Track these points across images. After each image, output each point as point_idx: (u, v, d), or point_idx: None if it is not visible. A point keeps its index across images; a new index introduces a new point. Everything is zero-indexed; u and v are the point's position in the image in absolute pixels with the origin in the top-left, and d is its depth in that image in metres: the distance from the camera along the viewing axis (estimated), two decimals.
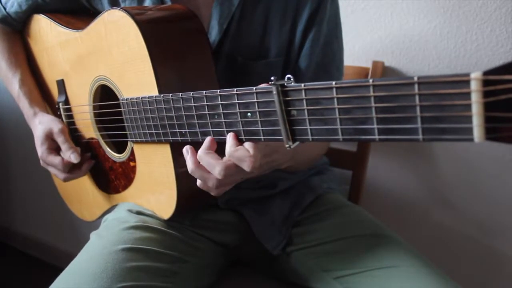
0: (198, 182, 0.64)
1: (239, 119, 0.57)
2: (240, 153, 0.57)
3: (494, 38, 1.02)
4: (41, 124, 0.92)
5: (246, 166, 0.57)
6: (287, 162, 0.73)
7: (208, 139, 0.62)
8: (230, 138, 0.58)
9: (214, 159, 0.59)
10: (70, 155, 0.87)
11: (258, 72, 0.83)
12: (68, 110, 0.97)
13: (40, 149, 0.91)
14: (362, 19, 1.14)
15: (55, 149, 0.91)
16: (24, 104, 0.97)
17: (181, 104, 0.64)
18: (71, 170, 0.91)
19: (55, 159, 0.89)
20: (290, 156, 0.72)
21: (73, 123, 0.97)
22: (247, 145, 0.57)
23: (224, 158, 0.59)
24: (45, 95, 1.03)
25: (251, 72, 0.83)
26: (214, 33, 0.80)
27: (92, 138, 0.93)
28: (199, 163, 0.62)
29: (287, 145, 0.52)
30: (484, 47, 1.03)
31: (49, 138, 0.90)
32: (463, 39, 1.05)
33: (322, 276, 0.82)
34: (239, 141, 0.58)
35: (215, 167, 0.59)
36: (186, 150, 0.64)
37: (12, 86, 0.99)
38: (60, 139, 0.88)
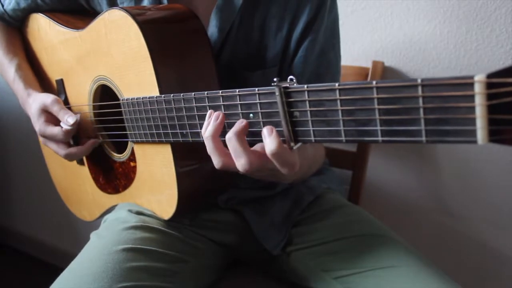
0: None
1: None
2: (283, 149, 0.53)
3: (494, 38, 1.02)
4: (34, 102, 0.89)
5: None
6: (295, 176, 0.73)
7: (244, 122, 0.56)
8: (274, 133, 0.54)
9: (243, 149, 0.55)
10: (67, 119, 0.83)
11: (255, 82, 0.82)
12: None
13: (37, 123, 0.87)
14: (362, 19, 1.14)
15: (53, 121, 0.87)
16: (18, 87, 0.94)
17: (183, 105, 0.64)
18: (72, 145, 0.89)
19: (54, 129, 0.85)
20: (303, 172, 0.72)
21: None
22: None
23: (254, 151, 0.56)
24: None
25: (248, 82, 0.82)
26: (213, 40, 0.79)
27: None
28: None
29: (289, 147, 0.52)
30: (484, 47, 1.03)
31: (45, 111, 0.87)
32: (463, 39, 1.05)
33: (322, 276, 0.82)
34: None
35: (241, 158, 0.55)
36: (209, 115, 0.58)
37: (8, 71, 0.97)
38: (55, 109, 0.85)
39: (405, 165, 1.20)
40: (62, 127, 0.84)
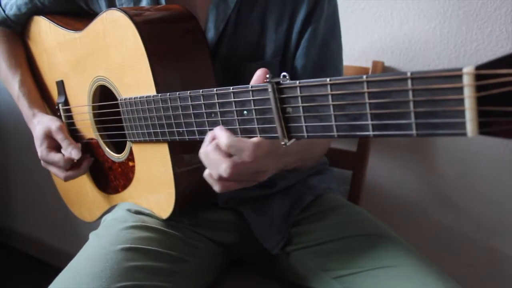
0: (206, 173, 0.62)
1: (236, 117, 0.57)
2: (241, 142, 0.55)
3: (494, 38, 1.02)
4: (39, 124, 0.92)
5: (247, 156, 0.55)
6: (295, 164, 0.73)
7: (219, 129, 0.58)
8: (223, 131, 0.57)
9: (221, 156, 0.57)
10: (71, 151, 0.86)
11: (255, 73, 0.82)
12: (68, 110, 0.97)
13: (40, 148, 0.91)
14: (362, 19, 1.14)
15: (55, 147, 0.91)
16: (23, 105, 0.97)
17: (178, 103, 0.64)
18: (71, 168, 0.91)
19: (56, 156, 0.89)
20: (298, 158, 0.72)
21: (72, 124, 0.97)
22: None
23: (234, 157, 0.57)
24: (45, 96, 1.04)
25: (248, 74, 0.82)
26: (210, 36, 0.80)
27: (92, 139, 0.94)
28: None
29: (282, 143, 0.52)
30: (484, 47, 1.03)
31: (48, 137, 0.90)
32: (463, 39, 1.05)
33: (322, 275, 0.82)
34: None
35: (221, 165, 0.57)
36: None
37: (12, 87, 0.99)
38: (59, 137, 0.88)
39: (405, 165, 1.19)
40: (63, 155, 0.88)
